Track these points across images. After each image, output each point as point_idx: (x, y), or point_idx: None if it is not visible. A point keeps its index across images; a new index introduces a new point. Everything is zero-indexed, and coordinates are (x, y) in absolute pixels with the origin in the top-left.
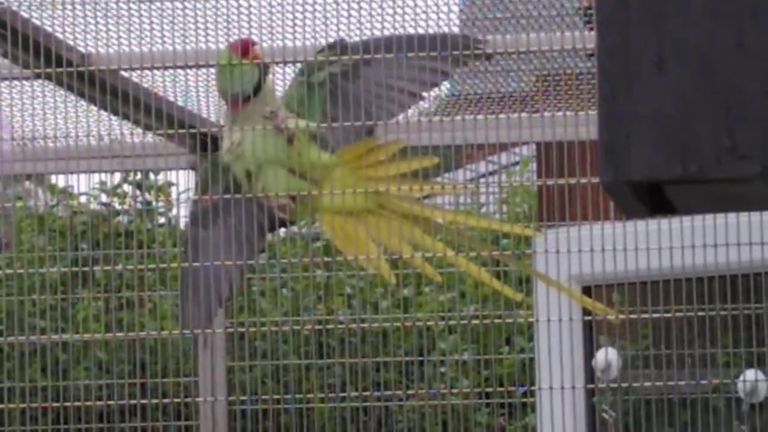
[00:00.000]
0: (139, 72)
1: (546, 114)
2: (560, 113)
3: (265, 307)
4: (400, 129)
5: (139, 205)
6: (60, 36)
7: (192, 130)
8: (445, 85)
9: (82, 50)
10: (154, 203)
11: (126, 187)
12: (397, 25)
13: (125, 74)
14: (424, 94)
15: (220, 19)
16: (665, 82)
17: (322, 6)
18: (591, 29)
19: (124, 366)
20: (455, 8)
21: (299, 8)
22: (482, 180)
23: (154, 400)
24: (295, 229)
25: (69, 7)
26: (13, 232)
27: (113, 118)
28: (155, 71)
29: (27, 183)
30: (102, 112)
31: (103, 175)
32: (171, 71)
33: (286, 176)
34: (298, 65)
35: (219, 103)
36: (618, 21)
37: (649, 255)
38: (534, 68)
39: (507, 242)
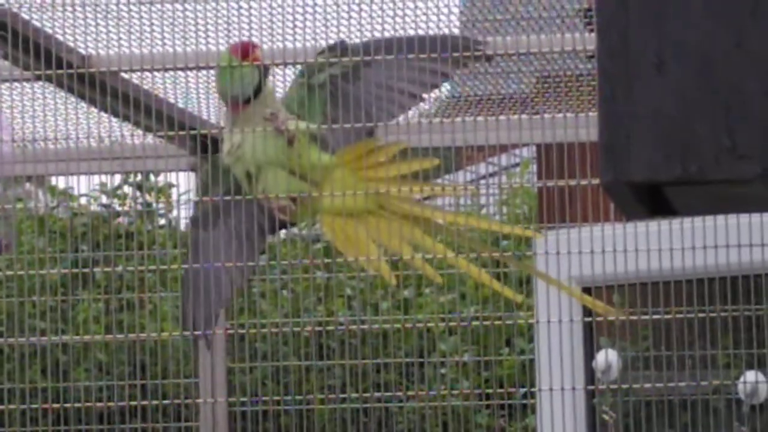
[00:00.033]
0: (139, 74)
1: (546, 115)
2: (560, 115)
3: (266, 308)
4: (400, 130)
5: (139, 207)
6: (60, 38)
7: (192, 132)
8: (446, 87)
9: (83, 52)
10: (154, 205)
11: (126, 189)
12: (397, 26)
13: (125, 76)
14: (425, 95)
15: (220, 21)
16: (665, 82)
17: (323, 8)
18: (591, 31)
19: (125, 367)
20: (455, 10)
21: (299, 10)
22: (482, 181)
23: (154, 402)
24: (295, 230)
25: (69, 9)
26: (13, 233)
27: (113, 119)
28: (155, 73)
29: (27, 184)
30: (102, 113)
31: (103, 176)
32: (171, 73)
33: (286, 178)
34: (299, 67)
35: (219, 105)
36: (618, 22)
37: (649, 256)
38: (534, 70)
39: (507, 243)
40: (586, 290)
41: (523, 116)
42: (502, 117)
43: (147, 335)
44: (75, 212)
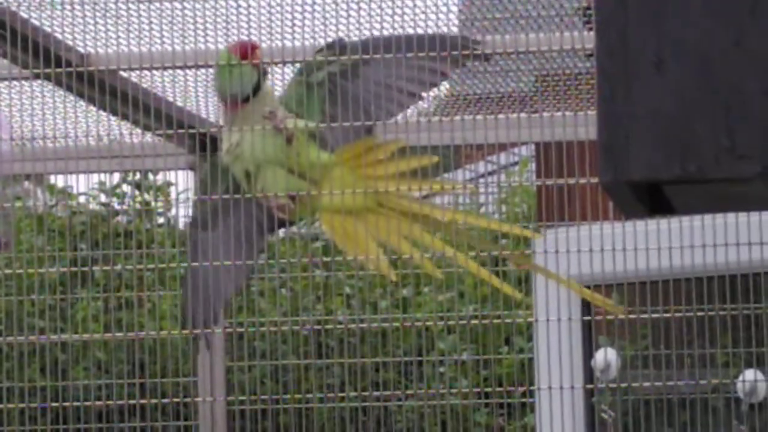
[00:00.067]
0: (138, 72)
1: (545, 114)
2: (559, 113)
3: (264, 307)
4: (399, 129)
5: (138, 206)
6: (59, 36)
7: (191, 131)
8: (444, 85)
9: (82, 50)
10: (153, 203)
11: (125, 187)
12: (396, 25)
13: (124, 74)
14: (423, 94)
15: (219, 20)
16: (664, 82)
17: (322, 6)
18: (590, 29)
19: (123, 366)
20: (454, 8)
21: (298, 8)
22: (481, 180)
23: (153, 400)
24: (294, 229)
25: (68, 7)
26: (12, 232)
27: (112, 118)
28: (154, 71)
29: (26, 183)
30: (101, 112)
31: (102, 175)
32: (170, 71)
33: (285, 176)
34: (298, 65)
35: (218, 104)
36: (617, 21)
37: (649, 255)
38: (533, 68)
39: (506, 242)
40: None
41: (522, 115)
42: (501, 116)
43: (146, 334)
44: (74, 211)
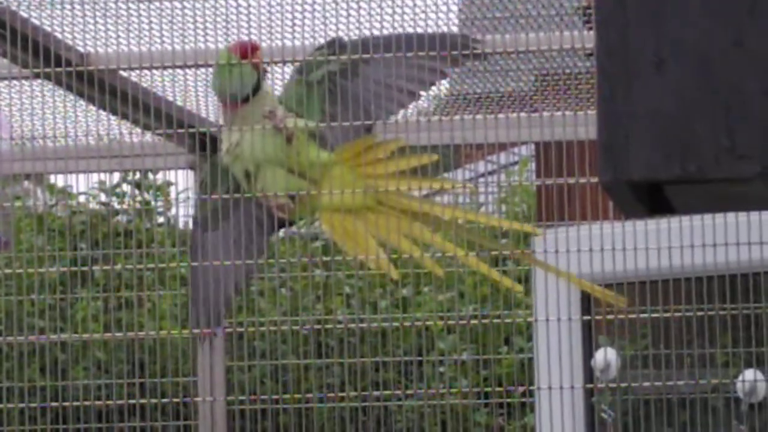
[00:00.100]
0: (138, 72)
1: (545, 114)
2: (559, 113)
3: (264, 306)
4: (399, 128)
5: (138, 205)
6: (59, 35)
7: (191, 130)
8: (444, 85)
9: (81, 50)
10: (153, 203)
11: (125, 187)
12: (396, 24)
13: (124, 74)
14: (422, 93)
15: (219, 19)
16: (664, 81)
17: (321, 6)
18: (590, 29)
19: (123, 366)
20: (454, 8)
21: (298, 8)
22: (481, 180)
23: (153, 400)
24: (294, 228)
25: (68, 6)
26: (12, 231)
27: (112, 117)
28: (154, 71)
29: (26, 182)
30: (101, 111)
31: (102, 174)
32: (170, 71)
33: (285, 176)
34: (297, 64)
35: (218, 103)
36: (617, 21)
37: (648, 255)
38: (533, 68)
39: (507, 241)
40: None
41: (522, 114)
42: (500, 115)
43: (146, 334)
44: (74, 210)
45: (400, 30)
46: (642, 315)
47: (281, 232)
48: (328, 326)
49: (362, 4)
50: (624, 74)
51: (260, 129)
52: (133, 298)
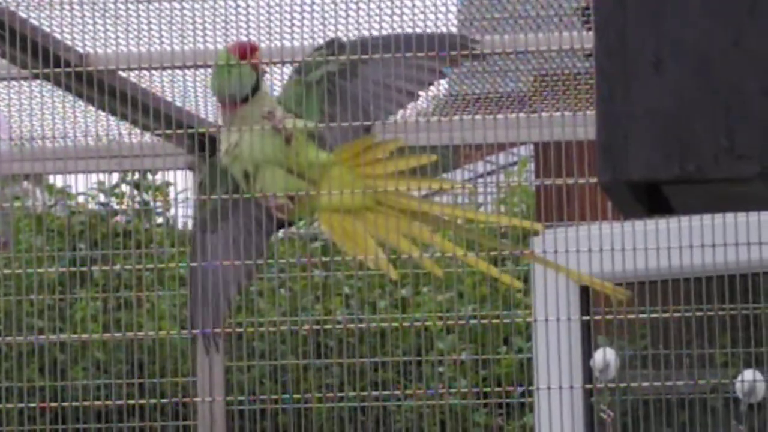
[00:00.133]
0: (137, 72)
1: (544, 114)
2: (558, 113)
3: (263, 307)
4: (398, 129)
5: (137, 205)
6: (58, 36)
7: (190, 131)
8: (444, 85)
9: (80, 50)
10: (151, 203)
11: (124, 187)
12: (395, 24)
13: (123, 74)
14: (421, 93)
15: (218, 20)
16: (663, 82)
17: (321, 6)
18: (589, 29)
19: (122, 366)
20: (453, 8)
21: (297, 8)
22: (480, 180)
23: (152, 400)
24: (293, 229)
25: (67, 7)
26: (11, 231)
27: (111, 118)
28: (153, 71)
29: (25, 183)
30: (100, 112)
31: (101, 175)
32: (169, 71)
33: (284, 176)
34: (295, 64)
35: (217, 104)
36: (616, 21)
37: (648, 255)
38: (532, 68)
39: (506, 242)
40: (584, 289)
41: (521, 115)
42: (499, 115)
43: (145, 334)
44: (73, 211)
45: (400, 30)
46: (641, 315)
47: (281, 233)
48: (328, 326)
49: (362, 4)
50: (623, 74)
51: (259, 129)
52: (132, 299)
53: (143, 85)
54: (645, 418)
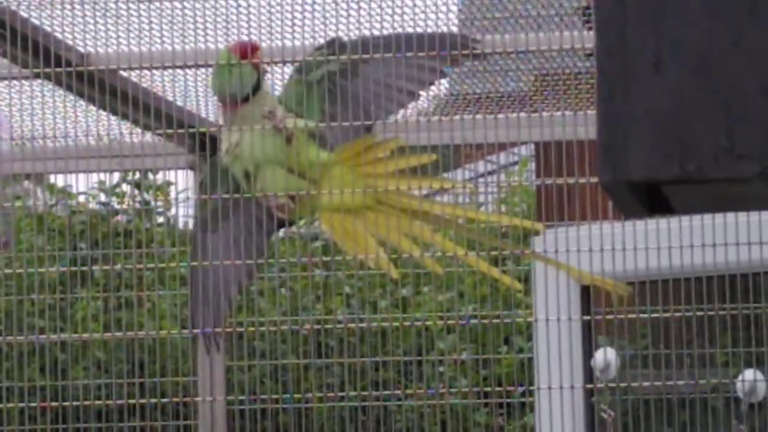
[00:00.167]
0: (138, 72)
1: (545, 114)
2: (559, 113)
3: (264, 306)
4: (398, 128)
5: (137, 205)
6: (59, 35)
7: (191, 130)
8: (444, 85)
9: (82, 50)
10: (152, 203)
11: (125, 187)
12: (395, 24)
13: (124, 74)
14: (422, 93)
15: (219, 19)
16: (663, 82)
17: (321, 6)
18: (589, 29)
19: (123, 365)
20: (454, 8)
21: (298, 8)
22: (481, 180)
23: (153, 400)
24: (293, 228)
25: (68, 6)
26: (12, 231)
27: (112, 117)
28: (154, 71)
29: (26, 182)
30: (101, 111)
31: (102, 174)
32: (170, 71)
33: (284, 176)
34: (296, 64)
35: (217, 104)
36: (616, 21)
37: (648, 255)
38: (533, 68)
39: (506, 241)
40: (585, 288)
41: (522, 114)
42: (500, 115)
43: (146, 333)
44: (73, 210)
45: (400, 30)
46: (642, 315)
47: (281, 232)
48: (328, 326)
49: (362, 4)
50: (623, 74)
51: (260, 129)
52: (133, 298)
53: (144, 85)
54: (646, 418)
